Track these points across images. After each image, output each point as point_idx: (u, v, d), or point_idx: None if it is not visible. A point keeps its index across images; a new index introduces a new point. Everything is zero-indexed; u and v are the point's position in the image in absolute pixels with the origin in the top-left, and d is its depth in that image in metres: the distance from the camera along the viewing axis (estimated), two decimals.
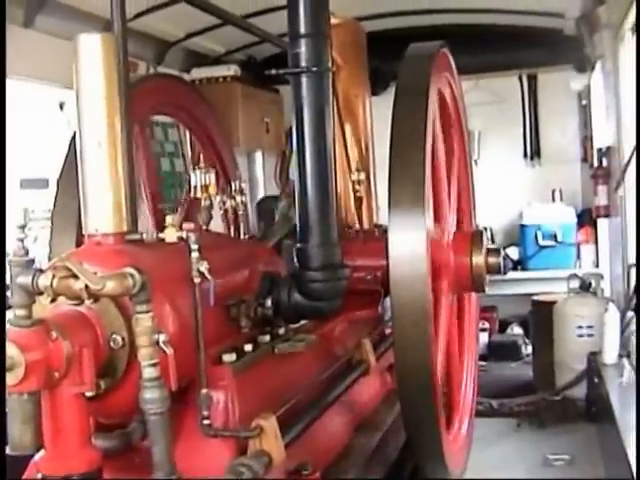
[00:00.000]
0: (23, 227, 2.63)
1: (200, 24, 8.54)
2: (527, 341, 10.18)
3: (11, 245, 3.12)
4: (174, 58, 9.12)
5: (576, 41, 9.16)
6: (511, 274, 9.55)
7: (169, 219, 2.97)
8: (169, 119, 7.58)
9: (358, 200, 5.74)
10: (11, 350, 2.40)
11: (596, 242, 9.84)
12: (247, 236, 4.23)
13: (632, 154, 7.44)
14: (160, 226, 3.04)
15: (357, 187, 5.71)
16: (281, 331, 3.78)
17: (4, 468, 2.93)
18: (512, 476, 6.32)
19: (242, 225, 4.23)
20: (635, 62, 6.93)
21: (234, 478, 2.87)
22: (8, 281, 2.62)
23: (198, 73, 9.56)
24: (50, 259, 4.33)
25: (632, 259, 7.67)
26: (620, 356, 7.17)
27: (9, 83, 6.65)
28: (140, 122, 5.51)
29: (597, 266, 9.75)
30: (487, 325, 10.13)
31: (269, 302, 3.74)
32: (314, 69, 3.91)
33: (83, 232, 3.04)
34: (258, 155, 11.01)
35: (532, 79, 10.73)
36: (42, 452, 2.62)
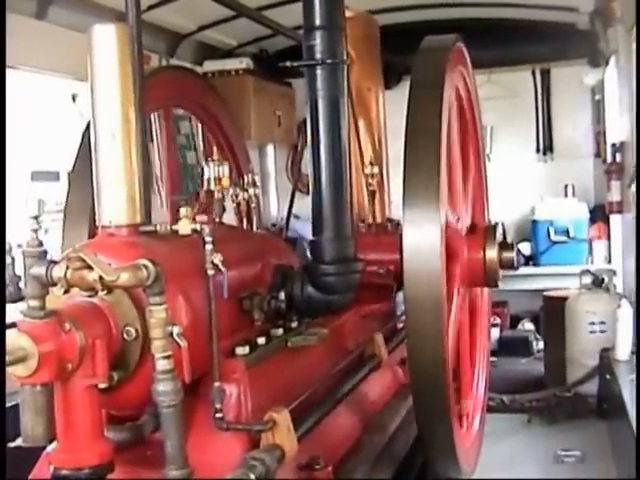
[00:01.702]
0: (37, 218, 2.63)
1: (212, 16, 8.53)
2: (538, 337, 10.15)
3: (15, 237, 3.12)
4: (186, 51, 9.12)
5: (590, 35, 9.12)
6: (523, 269, 9.46)
7: (183, 211, 2.96)
8: (181, 111, 7.56)
9: (371, 194, 5.73)
10: (24, 341, 2.39)
11: (609, 238, 9.81)
12: (260, 229, 4.22)
13: None
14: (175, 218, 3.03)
15: (370, 181, 5.71)
16: (294, 324, 3.77)
17: (4, 467, 2.93)
18: (523, 472, 6.32)
19: (254, 218, 4.22)
20: (635, 60, 6.91)
21: (245, 477, 2.85)
22: (21, 272, 2.61)
23: (210, 66, 9.55)
24: (63, 251, 4.32)
25: None
26: (633, 352, 7.13)
27: (21, 75, 6.66)
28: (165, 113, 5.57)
29: (609, 262, 9.73)
30: (498, 320, 10.09)
31: (282, 295, 3.72)
32: (329, 61, 3.90)
33: (97, 224, 3.04)
34: (270, 148, 11.03)
35: (545, 74, 10.68)
36: (54, 444, 2.61)
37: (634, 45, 7.00)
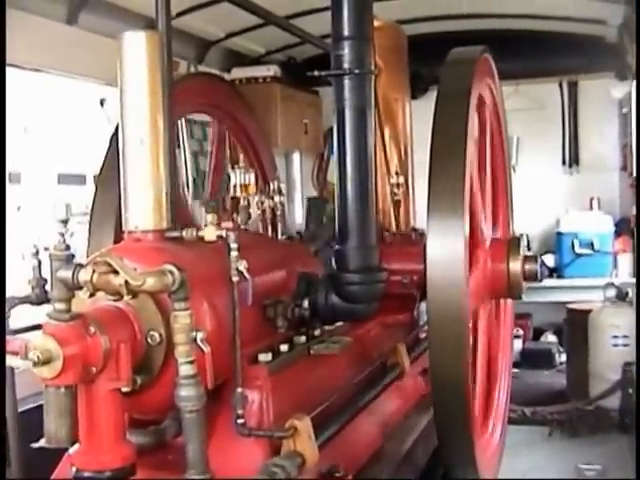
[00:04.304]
0: (65, 222, 2.65)
1: (241, 24, 8.56)
2: (561, 349, 10.14)
3: (41, 239, 3.14)
4: (214, 57, 9.15)
5: (618, 48, 9.10)
6: (546, 282, 9.45)
7: (209, 217, 2.98)
8: (208, 118, 7.59)
9: (396, 203, 5.73)
10: (49, 344, 2.41)
11: (633, 251, 9.76)
12: (285, 236, 4.23)
13: None
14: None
15: (395, 190, 5.71)
16: (317, 332, 3.77)
17: (4, 467, 2.95)
18: None
19: (280, 225, 4.23)
20: (635, 68, 6.88)
21: (267, 478, 2.86)
22: (47, 275, 2.62)
23: (238, 73, 9.58)
24: (88, 255, 4.35)
25: None
26: None
27: (52, 79, 6.71)
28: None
29: (634, 276, 9.67)
30: (521, 332, 10.07)
31: (306, 303, 3.73)
32: (357, 71, 3.91)
33: (123, 229, 3.06)
34: (296, 156, 11.03)
35: (572, 86, 10.69)
36: (76, 446, 2.63)
37: None
